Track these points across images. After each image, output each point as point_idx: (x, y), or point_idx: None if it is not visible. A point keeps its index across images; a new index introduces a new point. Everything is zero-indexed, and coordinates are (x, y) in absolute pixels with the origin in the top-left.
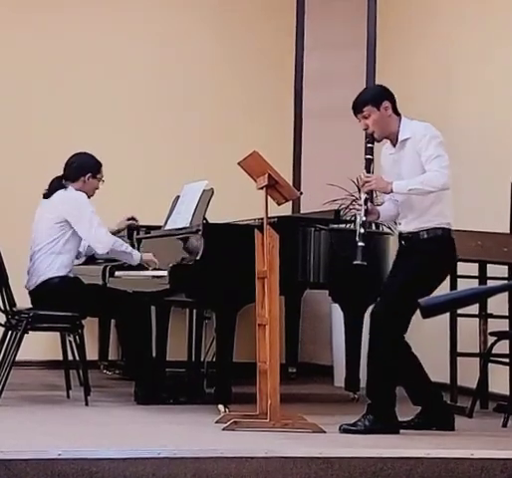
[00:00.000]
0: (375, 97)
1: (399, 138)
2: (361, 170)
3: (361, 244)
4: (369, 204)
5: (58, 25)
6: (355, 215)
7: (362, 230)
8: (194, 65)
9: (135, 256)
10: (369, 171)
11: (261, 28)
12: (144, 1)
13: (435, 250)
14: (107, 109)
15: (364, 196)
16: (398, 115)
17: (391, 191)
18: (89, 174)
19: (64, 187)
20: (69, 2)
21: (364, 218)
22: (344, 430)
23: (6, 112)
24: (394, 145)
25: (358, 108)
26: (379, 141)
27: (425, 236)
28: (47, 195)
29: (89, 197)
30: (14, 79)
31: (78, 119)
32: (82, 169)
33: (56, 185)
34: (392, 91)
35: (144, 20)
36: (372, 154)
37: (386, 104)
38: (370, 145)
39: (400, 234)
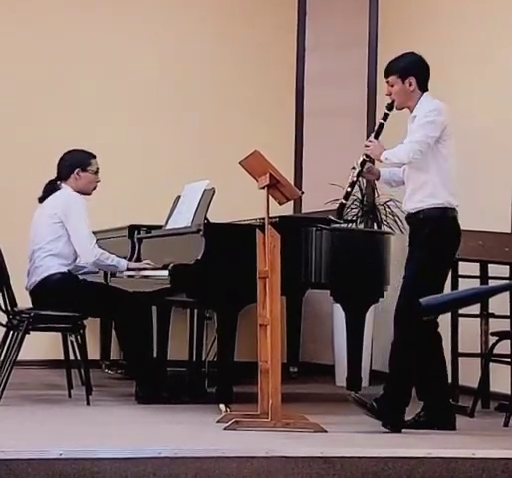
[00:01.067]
0: (403, 69)
1: (412, 114)
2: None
3: (342, 202)
4: (367, 165)
5: (58, 25)
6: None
7: (349, 189)
8: (194, 65)
9: (121, 266)
10: (377, 136)
11: (262, 28)
12: (145, 1)
13: (434, 232)
14: (107, 109)
15: (361, 158)
16: (425, 90)
17: (381, 161)
18: (77, 169)
19: (57, 189)
20: (69, 2)
21: (354, 179)
22: (353, 398)
23: (6, 111)
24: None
25: (386, 74)
26: (398, 109)
27: (422, 216)
28: (41, 200)
29: (89, 193)
30: (14, 79)
31: (78, 119)
32: (70, 166)
33: (49, 189)
34: None
35: (144, 20)
36: (385, 120)
37: (412, 79)
38: (386, 111)
39: (406, 217)
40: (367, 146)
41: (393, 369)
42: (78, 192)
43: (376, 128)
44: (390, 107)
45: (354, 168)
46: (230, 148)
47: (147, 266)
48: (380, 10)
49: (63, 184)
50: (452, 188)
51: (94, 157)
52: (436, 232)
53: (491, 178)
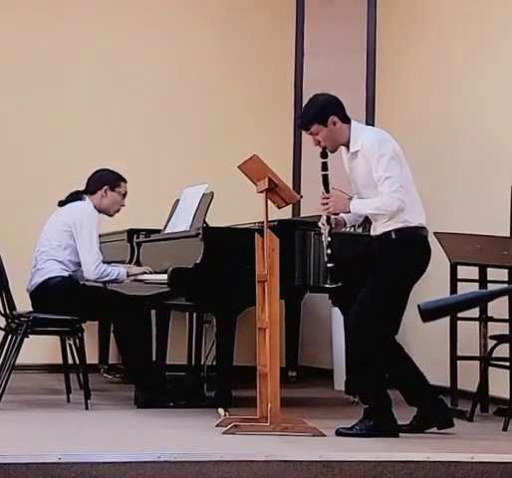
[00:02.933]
0: (319, 114)
1: (350, 150)
2: None
3: (330, 265)
4: (332, 220)
5: (58, 25)
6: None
7: (329, 251)
8: (193, 69)
9: (121, 277)
10: (327, 189)
11: (260, 33)
12: (145, 2)
13: (405, 250)
14: (105, 111)
15: (325, 216)
16: (348, 121)
17: (349, 211)
18: (106, 187)
19: (81, 199)
20: (69, 2)
21: (329, 239)
22: (340, 434)
23: (6, 112)
24: (348, 149)
25: (305, 127)
26: (333, 152)
27: (394, 236)
28: (62, 203)
29: (111, 215)
30: (14, 79)
31: (77, 120)
32: (99, 182)
33: (73, 197)
34: (393, 93)
35: (145, 22)
36: (327, 169)
37: (334, 118)
38: (324, 161)
39: (372, 237)
40: (325, 204)
41: (362, 378)
42: (101, 211)
43: (322, 182)
44: (325, 155)
45: (322, 229)
46: (229, 152)
47: (146, 271)
48: (378, 15)
49: (87, 197)
50: (420, 207)
51: (125, 181)
52: (407, 250)
53: (490, 181)
